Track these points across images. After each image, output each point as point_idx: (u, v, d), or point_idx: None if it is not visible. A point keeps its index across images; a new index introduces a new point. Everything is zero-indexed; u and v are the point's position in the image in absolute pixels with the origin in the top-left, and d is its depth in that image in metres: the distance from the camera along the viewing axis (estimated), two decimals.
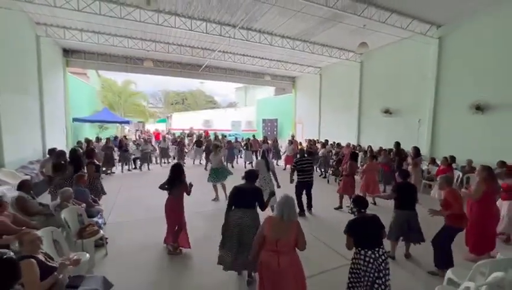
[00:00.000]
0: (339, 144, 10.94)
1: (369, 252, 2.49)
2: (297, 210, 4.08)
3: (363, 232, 2.59)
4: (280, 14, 8.16)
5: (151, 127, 24.58)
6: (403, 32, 8.83)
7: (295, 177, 5.88)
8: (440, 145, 9.08)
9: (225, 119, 24.94)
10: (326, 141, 10.91)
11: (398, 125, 10.72)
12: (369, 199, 5.11)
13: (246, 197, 3.26)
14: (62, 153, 5.74)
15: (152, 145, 11.71)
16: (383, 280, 2.47)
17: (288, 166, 11.21)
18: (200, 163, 11.96)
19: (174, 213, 3.93)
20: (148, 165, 10.66)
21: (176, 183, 3.93)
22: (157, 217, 4.56)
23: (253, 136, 13.31)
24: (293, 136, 12.29)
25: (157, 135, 17.58)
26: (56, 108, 10.89)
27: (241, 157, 12.56)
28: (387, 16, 7.90)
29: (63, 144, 10.76)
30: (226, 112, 26.52)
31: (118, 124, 16.65)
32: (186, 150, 12.60)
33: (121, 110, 20.21)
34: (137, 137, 14.25)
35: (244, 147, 11.96)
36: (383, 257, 2.51)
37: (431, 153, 9.12)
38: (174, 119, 24.29)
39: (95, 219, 4.21)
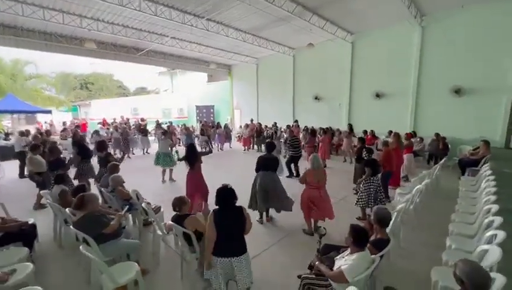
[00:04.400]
0: (288, 126, 13.01)
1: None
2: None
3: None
4: (244, 9, 9.11)
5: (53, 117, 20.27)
6: (329, 36, 11.40)
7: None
8: (422, 123, 10.54)
9: (154, 106, 23.44)
10: (275, 123, 12.83)
11: (324, 109, 13.75)
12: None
13: (269, 163, 4.58)
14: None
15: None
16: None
17: (247, 147, 12.70)
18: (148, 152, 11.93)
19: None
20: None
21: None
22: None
23: (205, 122, 13.92)
24: (252, 120, 13.55)
25: (83, 125, 15.22)
26: None
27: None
28: (323, 24, 10.16)
29: None
30: (155, 99, 24.82)
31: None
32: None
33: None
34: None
35: (200, 133, 12.49)
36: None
37: (414, 128, 10.62)
38: (94, 107, 20.90)
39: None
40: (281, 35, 12.21)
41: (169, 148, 7.50)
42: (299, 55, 14.62)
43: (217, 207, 2.48)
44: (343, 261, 2.18)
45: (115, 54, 13.04)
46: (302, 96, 14.72)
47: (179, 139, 14.34)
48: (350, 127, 10.15)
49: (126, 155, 10.59)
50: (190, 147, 5.00)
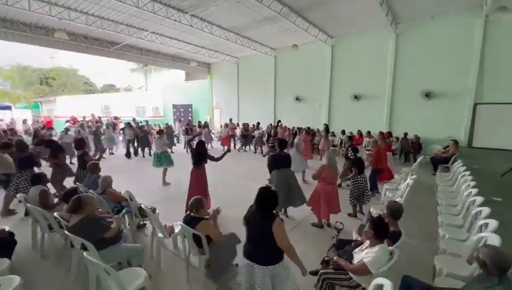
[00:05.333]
0: (276, 126, 13.06)
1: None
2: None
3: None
4: (229, 7, 8.98)
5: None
6: (310, 38, 11.70)
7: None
8: (396, 124, 11.21)
9: (126, 104, 22.22)
10: (258, 123, 12.84)
11: (305, 109, 14.09)
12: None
13: (284, 161, 4.61)
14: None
15: None
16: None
17: (226, 147, 12.53)
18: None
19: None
20: None
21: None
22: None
23: (188, 121, 13.50)
24: (230, 120, 13.40)
25: (48, 123, 13.87)
26: None
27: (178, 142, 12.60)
28: (307, 26, 10.41)
29: None
30: (127, 97, 23.49)
31: None
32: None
33: None
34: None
35: (184, 133, 12.09)
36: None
37: (389, 128, 11.09)
38: (59, 104, 19.14)
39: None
40: (264, 35, 12.28)
41: (165, 148, 7.20)
42: (281, 56, 14.82)
43: (250, 208, 2.36)
44: (364, 254, 2.23)
45: (86, 47, 12.09)
46: (284, 96, 14.93)
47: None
48: (326, 127, 10.53)
49: (100, 155, 9.89)
50: (200, 145, 4.78)
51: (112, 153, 11.45)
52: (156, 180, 7.11)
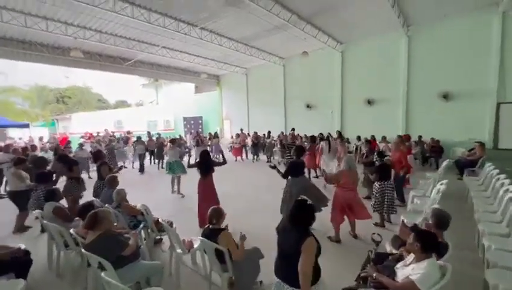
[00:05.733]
0: (284, 134, 12.89)
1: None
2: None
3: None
4: (238, 18, 9.06)
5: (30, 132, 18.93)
6: (319, 45, 11.63)
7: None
8: (413, 128, 10.73)
9: (138, 118, 22.65)
10: (269, 132, 12.68)
11: (317, 117, 13.86)
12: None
13: (301, 168, 4.41)
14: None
15: None
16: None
17: (239, 157, 12.39)
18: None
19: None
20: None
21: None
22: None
23: (197, 132, 13.55)
24: (241, 130, 13.35)
25: (64, 139, 14.19)
26: None
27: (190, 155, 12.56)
28: (316, 33, 10.36)
29: None
30: (139, 111, 23.98)
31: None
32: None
33: None
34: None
35: (195, 144, 12.06)
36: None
37: (406, 132, 10.56)
38: (74, 121, 19.72)
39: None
40: (272, 45, 12.33)
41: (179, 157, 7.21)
42: (290, 65, 14.80)
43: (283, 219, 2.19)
44: (410, 270, 1.97)
45: (100, 64, 12.47)
46: (294, 104, 14.80)
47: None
48: (340, 134, 10.24)
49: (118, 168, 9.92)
50: (204, 154, 4.69)
51: (125, 167, 11.50)
52: (169, 192, 7.00)
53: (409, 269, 2.00)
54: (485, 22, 8.98)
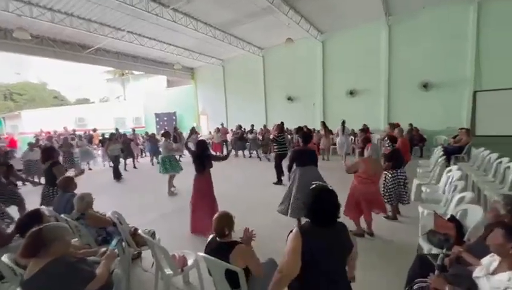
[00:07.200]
0: (265, 127, 12.27)
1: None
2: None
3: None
4: (216, 0, 8.23)
5: None
6: (299, 35, 11.14)
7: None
8: (395, 117, 10.31)
9: (103, 115, 20.59)
10: (252, 125, 11.99)
11: (298, 109, 13.48)
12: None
13: (308, 157, 3.81)
14: None
15: None
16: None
17: (219, 153, 11.56)
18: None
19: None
20: None
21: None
22: None
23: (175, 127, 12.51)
24: (222, 124, 12.48)
25: (11, 141, 12.14)
26: None
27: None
28: (299, 19, 9.86)
29: None
30: (104, 108, 21.80)
31: None
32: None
33: None
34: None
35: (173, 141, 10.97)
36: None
37: (388, 122, 10.12)
38: (25, 119, 17.17)
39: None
40: (252, 33, 11.63)
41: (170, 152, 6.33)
42: (269, 56, 14.20)
43: (307, 224, 1.54)
44: (507, 282, 1.45)
45: (54, 52, 10.74)
46: (275, 97, 14.27)
47: (142, 149, 12.59)
48: (324, 124, 9.91)
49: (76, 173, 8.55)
50: (200, 145, 3.91)
51: (90, 169, 10.11)
52: (152, 193, 6.10)
53: (503, 280, 1.47)
54: (461, 12, 9.16)
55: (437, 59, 9.77)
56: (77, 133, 13.90)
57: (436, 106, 9.98)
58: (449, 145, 7.73)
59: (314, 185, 1.65)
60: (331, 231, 1.51)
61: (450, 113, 9.78)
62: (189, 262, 2.41)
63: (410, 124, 9.84)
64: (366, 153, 3.43)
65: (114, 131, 10.71)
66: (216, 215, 1.98)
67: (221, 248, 1.85)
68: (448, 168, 4.46)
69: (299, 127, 9.46)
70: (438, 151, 6.50)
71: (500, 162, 4.70)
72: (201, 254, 1.90)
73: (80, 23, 8.86)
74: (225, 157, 4.44)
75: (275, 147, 6.98)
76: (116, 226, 2.82)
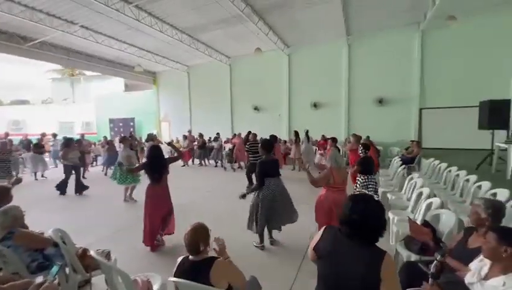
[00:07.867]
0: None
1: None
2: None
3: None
4: (184, 2, 7.92)
5: None
6: (267, 46, 11.35)
7: None
8: (354, 130, 10.62)
9: (45, 119, 18.16)
10: (218, 134, 11.61)
11: (265, 119, 13.57)
12: None
13: (274, 167, 3.67)
14: None
15: None
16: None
17: (190, 161, 10.98)
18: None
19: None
20: None
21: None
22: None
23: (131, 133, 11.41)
24: (189, 131, 11.81)
25: None
26: None
27: None
28: (267, 31, 10.04)
29: None
30: (47, 110, 19.20)
31: None
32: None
33: None
34: None
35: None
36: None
37: (348, 134, 10.69)
38: None
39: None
40: (219, 41, 11.53)
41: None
42: (236, 65, 14.18)
43: (332, 231, 1.34)
44: (502, 288, 1.43)
45: None
46: (241, 106, 14.19)
47: (94, 158, 11.27)
48: (296, 133, 10.05)
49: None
50: (154, 149, 3.45)
51: (43, 176, 8.84)
52: (105, 205, 5.33)
53: (498, 286, 1.45)
54: (409, 37, 10.35)
55: (390, 77, 10.80)
56: (13, 139, 11.83)
57: (389, 120, 10.93)
58: (403, 156, 8.42)
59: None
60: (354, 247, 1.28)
61: (401, 127, 10.79)
62: (155, 288, 2.01)
63: (368, 136, 10.54)
64: (326, 162, 3.40)
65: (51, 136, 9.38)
66: (189, 228, 1.67)
67: (197, 268, 1.53)
68: (409, 176, 4.77)
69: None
70: (396, 162, 7.00)
71: (450, 171, 5.18)
72: (173, 279, 1.56)
73: (20, 10, 7.68)
74: (178, 157, 4.17)
75: (250, 155, 6.79)
76: (59, 246, 2.27)
